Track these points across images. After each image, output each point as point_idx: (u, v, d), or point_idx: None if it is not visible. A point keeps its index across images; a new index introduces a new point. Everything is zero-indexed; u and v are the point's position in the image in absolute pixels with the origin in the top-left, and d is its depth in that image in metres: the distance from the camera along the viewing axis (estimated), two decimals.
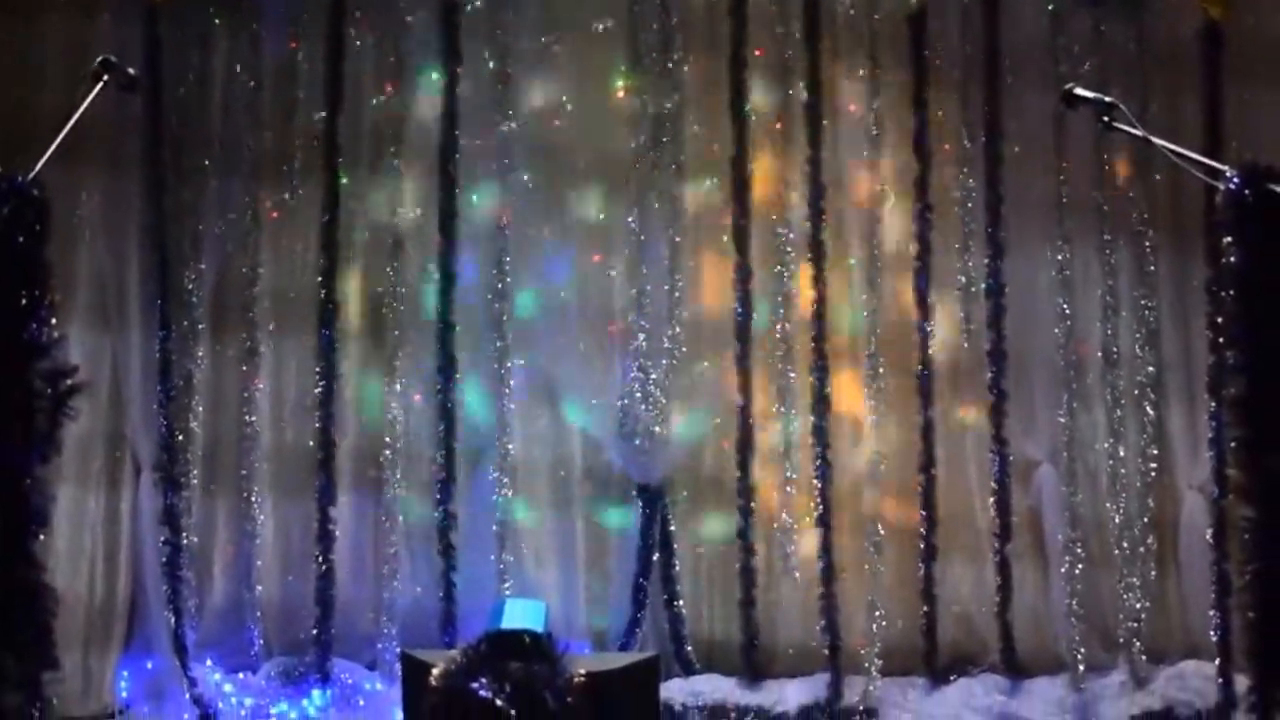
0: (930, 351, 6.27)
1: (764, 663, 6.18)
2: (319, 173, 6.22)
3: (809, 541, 6.23)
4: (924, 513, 6.22)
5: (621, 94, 6.42)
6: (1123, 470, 6.27)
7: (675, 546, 6.30)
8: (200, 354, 6.17)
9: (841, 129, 6.38)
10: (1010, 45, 6.32)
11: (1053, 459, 6.30)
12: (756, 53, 6.31)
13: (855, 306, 6.36)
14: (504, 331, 6.26)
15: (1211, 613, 6.06)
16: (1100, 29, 6.30)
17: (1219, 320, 5.76)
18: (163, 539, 6.03)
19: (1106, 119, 4.40)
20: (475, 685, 4.51)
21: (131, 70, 4.42)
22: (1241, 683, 5.68)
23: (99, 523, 6.03)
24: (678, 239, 6.33)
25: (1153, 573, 6.23)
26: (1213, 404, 6.10)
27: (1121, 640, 6.17)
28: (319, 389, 6.15)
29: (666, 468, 6.31)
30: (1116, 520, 6.25)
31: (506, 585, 6.14)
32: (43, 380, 3.86)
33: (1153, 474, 6.28)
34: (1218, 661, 6.02)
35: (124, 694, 5.94)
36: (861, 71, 6.37)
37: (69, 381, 3.90)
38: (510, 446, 6.26)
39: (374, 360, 6.30)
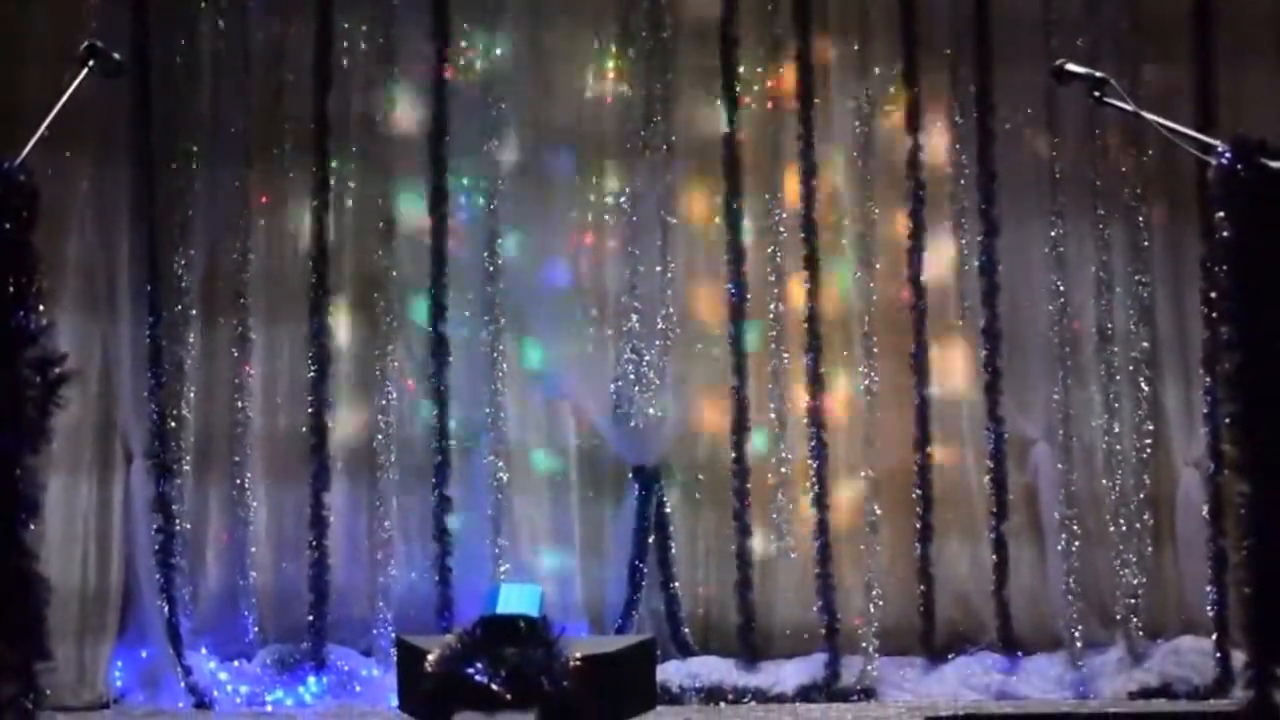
0: (924, 330, 6.25)
1: (761, 644, 6.17)
2: (309, 156, 6.18)
3: (805, 522, 6.21)
4: (920, 492, 6.21)
5: (612, 74, 6.39)
6: (1118, 447, 6.26)
7: (671, 528, 6.29)
8: (191, 340, 6.12)
9: (833, 107, 6.35)
10: (1001, 21, 6.29)
11: (1048, 437, 6.29)
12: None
13: (849, 286, 6.33)
14: (496, 314, 6.23)
15: (1208, 588, 6.05)
16: (1091, 3, 6.29)
17: (1213, 296, 5.75)
18: (155, 527, 5.99)
19: (1098, 94, 4.40)
20: (471, 670, 4.52)
21: (117, 55, 4.41)
22: (1238, 658, 5.70)
23: (91, 511, 5.97)
24: (670, 220, 6.30)
25: (1149, 549, 6.22)
26: (1208, 380, 6.09)
27: (1119, 617, 6.16)
28: (311, 374, 6.12)
29: (662, 450, 6.30)
30: (1113, 497, 6.24)
31: (502, 569, 6.12)
32: (32, 369, 3.87)
33: (1148, 451, 6.26)
34: (1214, 637, 6.01)
35: (118, 683, 5.91)
36: (853, 48, 6.34)
37: (58, 370, 3.91)
38: (504, 430, 6.24)
39: (366, 344, 6.26)
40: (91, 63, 4.30)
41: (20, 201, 3.90)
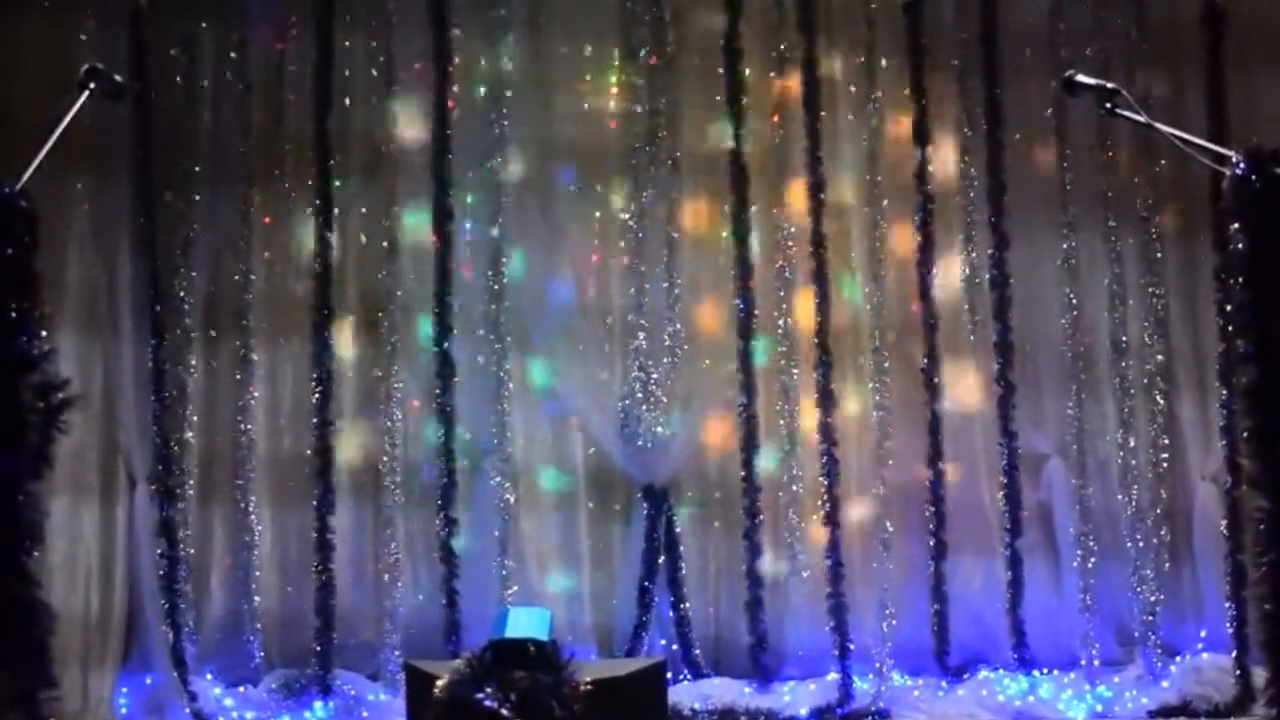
0: (936, 344, 6.20)
1: (773, 665, 6.12)
2: (310, 176, 6.13)
3: (817, 540, 6.15)
4: (932, 509, 6.16)
5: (615, 90, 6.35)
6: (1133, 462, 6.21)
7: (681, 548, 6.24)
8: (194, 362, 6.07)
9: (840, 120, 6.30)
10: (1009, 31, 6.26)
11: (1062, 452, 6.24)
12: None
13: (859, 300, 6.28)
14: (502, 334, 6.19)
15: (1227, 605, 6.00)
16: (1100, 13, 6.26)
17: (1228, 308, 5.71)
18: (159, 552, 5.93)
19: (1109, 105, 4.38)
20: (480, 695, 4.47)
21: (118, 78, 4.41)
22: (1259, 675, 5.65)
23: (94, 537, 5.92)
24: (675, 236, 6.26)
25: (1166, 565, 6.18)
26: (1224, 393, 6.04)
27: (1136, 634, 6.12)
28: (315, 395, 6.06)
29: (670, 468, 6.24)
30: (1128, 513, 6.19)
31: (510, 591, 6.07)
32: (34, 394, 3.85)
33: (1164, 465, 6.21)
34: (1234, 654, 5.95)
35: (123, 710, 5.84)
36: (859, 61, 6.30)
37: (60, 395, 3.90)
38: (511, 450, 6.19)
39: (370, 364, 6.21)
40: (92, 85, 4.30)
41: (21, 227, 3.90)
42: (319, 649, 5.94)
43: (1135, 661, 6.09)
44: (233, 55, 6.14)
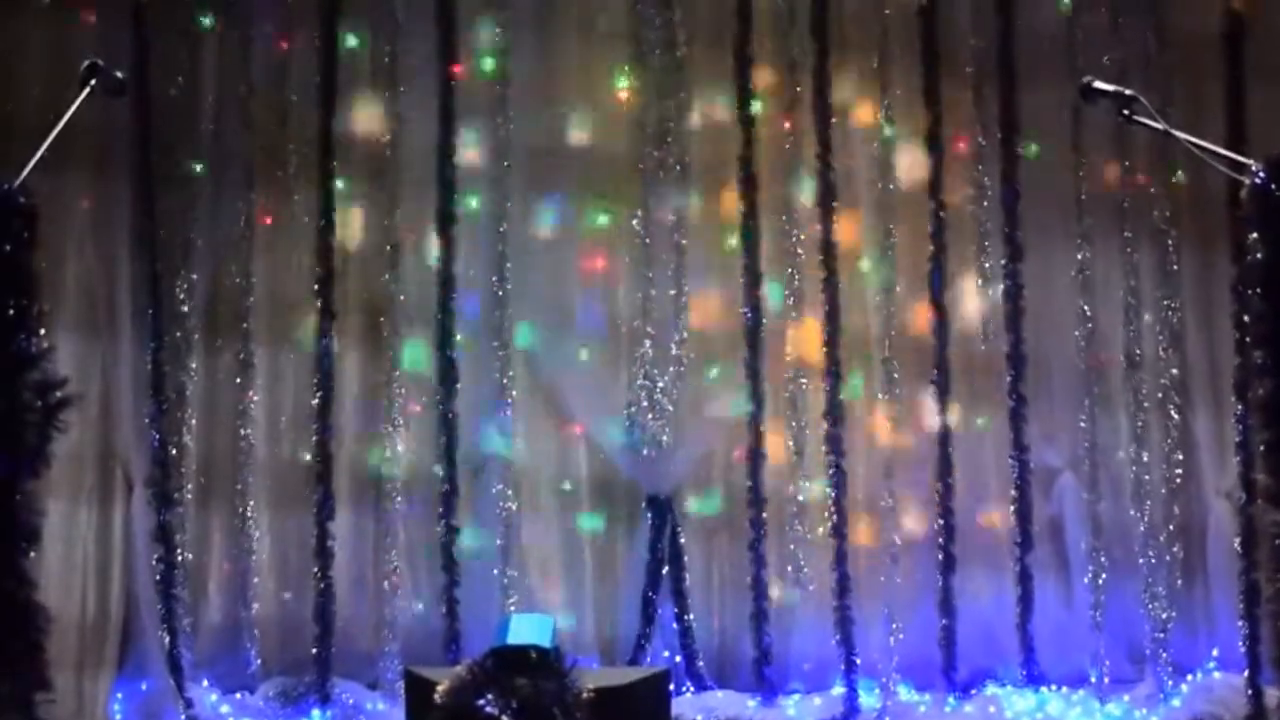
0: (947, 356, 6.14)
1: (778, 678, 6.05)
2: (313, 178, 6.08)
3: (823, 552, 6.09)
4: (942, 522, 6.11)
5: (624, 94, 6.30)
6: (1146, 477, 6.16)
7: (685, 559, 6.18)
8: (193, 365, 6.01)
9: (851, 127, 6.25)
10: (1024, 38, 6.21)
11: (1074, 466, 6.20)
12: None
13: (869, 310, 6.23)
14: (505, 340, 6.13)
15: (1240, 623, 5.94)
16: (1118, 20, 6.20)
17: (1245, 320, 5.67)
18: (156, 556, 5.88)
19: (1126, 112, 4.35)
20: (481, 702, 4.44)
21: (119, 74, 4.40)
22: (1272, 695, 5.61)
23: (91, 540, 5.86)
24: (683, 242, 6.21)
25: (1179, 582, 6.13)
26: (1239, 407, 6.00)
27: (1147, 652, 6.07)
28: (316, 400, 6.01)
29: (675, 478, 6.19)
30: (1141, 528, 6.13)
31: (512, 600, 6.01)
32: (32, 393, 3.85)
33: (1178, 480, 6.16)
34: (1246, 673, 5.89)
35: (118, 716, 5.80)
36: (872, 66, 6.24)
37: (59, 394, 3.91)
38: (514, 458, 6.13)
39: (372, 369, 6.15)
40: (93, 82, 4.30)
41: (20, 224, 3.89)
42: (317, 656, 5.89)
43: (1146, 679, 6.04)
44: (236, 54, 6.09)
